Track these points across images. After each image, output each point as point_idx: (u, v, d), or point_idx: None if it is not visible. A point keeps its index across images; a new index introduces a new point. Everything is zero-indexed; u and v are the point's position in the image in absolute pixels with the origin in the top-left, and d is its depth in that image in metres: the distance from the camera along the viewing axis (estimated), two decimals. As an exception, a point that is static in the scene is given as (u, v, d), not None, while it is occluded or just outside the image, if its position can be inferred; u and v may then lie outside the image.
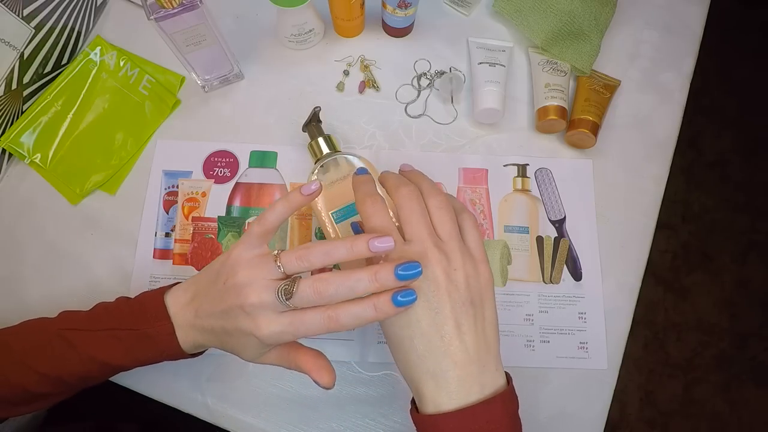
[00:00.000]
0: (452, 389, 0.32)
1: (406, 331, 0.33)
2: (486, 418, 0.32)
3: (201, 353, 0.41)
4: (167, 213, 0.52)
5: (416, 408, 0.35)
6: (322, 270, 0.34)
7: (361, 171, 0.40)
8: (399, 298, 0.31)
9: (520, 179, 0.54)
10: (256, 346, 0.34)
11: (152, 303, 0.37)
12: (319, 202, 0.47)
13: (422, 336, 0.33)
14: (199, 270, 0.50)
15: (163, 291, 0.38)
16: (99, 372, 0.38)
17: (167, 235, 0.52)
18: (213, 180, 0.53)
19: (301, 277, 0.32)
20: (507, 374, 0.35)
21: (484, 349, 0.33)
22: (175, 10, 0.43)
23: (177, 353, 0.37)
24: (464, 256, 0.34)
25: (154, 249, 0.51)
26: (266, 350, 0.35)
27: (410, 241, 0.34)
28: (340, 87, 0.57)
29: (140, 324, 0.37)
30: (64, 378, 0.37)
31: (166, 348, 0.37)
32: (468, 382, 0.32)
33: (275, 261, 0.33)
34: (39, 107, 0.53)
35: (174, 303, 0.37)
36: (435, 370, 0.32)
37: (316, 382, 0.35)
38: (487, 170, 0.54)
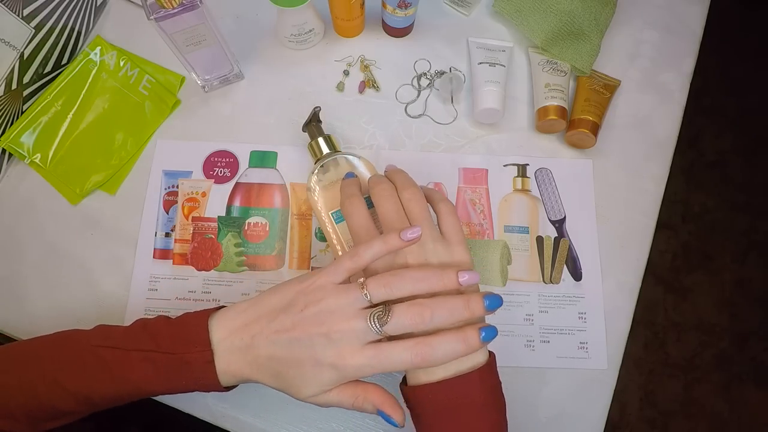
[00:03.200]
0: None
1: None
2: (461, 390, 0.34)
3: (234, 387, 0.38)
4: (167, 213, 0.52)
5: (405, 382, 0.37)
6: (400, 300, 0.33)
7: (349, 175, 0.42)
8: (485, 333, 0.32)
9: (520, 179, 0.54)
10: (327, 380, 0.32)
11: (195, 326, 0.35)
12: (319, 202, 0.47)
13: None
14: (199, 270, 0.50)
15: (208, 314, 0.36)
16: (129, 395, 0.36)
17: (167, 235, 0.52)
18: (213, 180, 0.53)
19: (392, 304, 0.32)
20: (490, 352, 0.37)
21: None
22: (175, 10, 0.43)
23: (212, 384, 0.35)
24: (436, 240, 0.36)
25: (154, 249, 0.51)
26: (331, 387, 0.33)
27: (385, 233, 0.35)
28: (340, 87, 0.57)
29: (178, 348, 0.34)
30: (92, 398, 0.35)
31: (201, 377, 0.34)
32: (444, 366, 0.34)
33: (362, 289, 0.32)
34: (39, 107, 0.53)
35: (221, 327, 0.35)
36: None
37: (388, 420, 0.34)
38: (487, 170, 0.54)
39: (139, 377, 0.35)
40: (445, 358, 0.32)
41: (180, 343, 0.35)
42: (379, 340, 0.33)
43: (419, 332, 0.33)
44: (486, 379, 0.35)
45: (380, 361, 0.32)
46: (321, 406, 0.35)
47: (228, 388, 0.37)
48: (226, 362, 0.34)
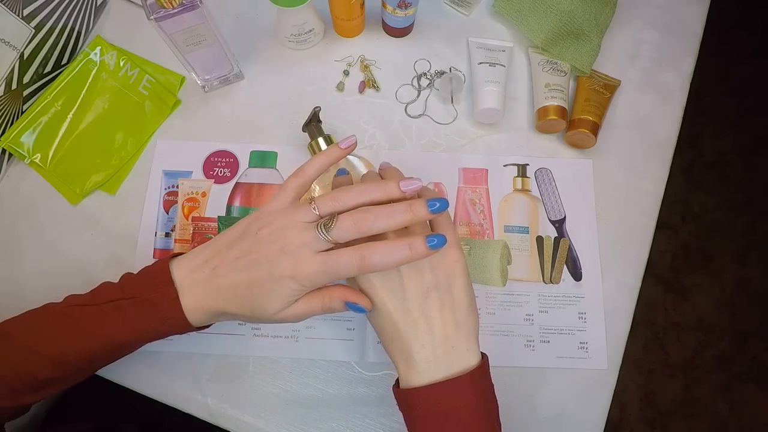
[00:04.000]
0: (420, 369, 0.34)
1: (378, 320, 0.36)
2: (452, 394, 0.34)
3: (207, 327, 0.39)
4: (167, 213, 0.52)
5: (398, 385, 0.37)
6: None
7: (341, 172, 0.43)
8: (433, 240, 0.32)
9: (520, 179, 0.54)
10: (288, 292, 0.33)
11: (156, 270, 0.37)
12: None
13: (391, 323, 0.35)
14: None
15: (168, 259, 0.37)
16: (104, 350, 0.37)
17: (167, 235, 0.52)
18: (213, 180, 0.53)
19: (338, 215, 0.33)
20: (483, 354, 0.36)
21: (452, 330, 0.35)
22: (175, 10, 0.43)
23: (180, 323, 0.36)
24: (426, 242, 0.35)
25: (154, 249, 0.51)
26: (294, 298, 0.34)
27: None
28: (340, 87, 0.57)
29: (143, 291, 0.36)
30: (69, 360, 0.36)
31: (168, 316, 0.35)
32: (434, 363, 0.34)
33: (310, 204, 0.34)
34: (39, 107, 0.53)
35: (181, 268, 0.36)
36: (404, 352, 0.35)
37: (356, 308, 0.35)
38: (487, 170, 0.54)
39: (109, 328, 0.36)
40: (387, 262, 0.32)
41: (144, 287, 0.36)
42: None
43: (367, 239, 0.34)
44: (478, 383, 0.35)
45: (330, 265, 0.32)
46: (294, 320, 0.36)
47: (200, 328, 0.38)
48: (191, 298, 0.35)
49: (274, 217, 0.34)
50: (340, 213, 0.33)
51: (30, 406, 0.40)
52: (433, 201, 0.33)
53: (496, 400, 0.36)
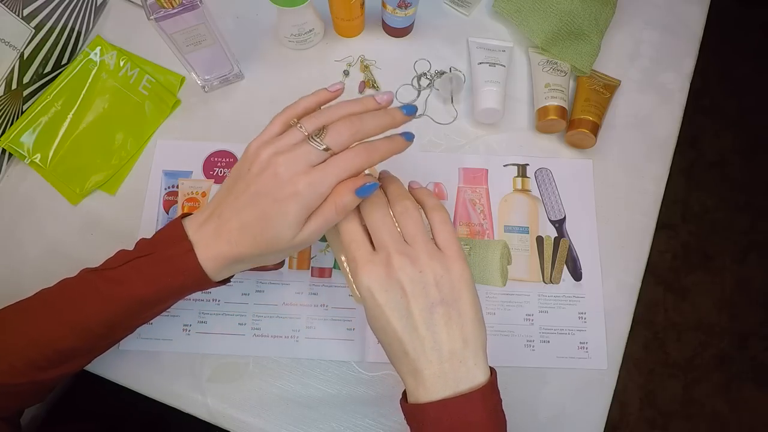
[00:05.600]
0: (428, 385, 0.34)
1: (384, 337, 0.35)
2: (463, 411, 0.33)
3: (228, 281, 0.39)
4: (167, 213, 0.52)
5: (406, 399, 0.36)
6: None
7: None
8: (407, 109, 0.37)
9: (520, 179, 0.54)
10: (295, 212, 0.33)
11: (170, 228, 0.37)
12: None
13: (397, 341, 0.34)
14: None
15: (180, 217, 0.38)
16: (123, 313, 0.37)
17: (167, 235, 0.52)
18: (213, 180, 0.53)
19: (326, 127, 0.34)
20: (491, 369, 0.35)
21: (460, 346, 0.34)
22: (175, 10, 0.43)
23: (197, 274, 0.36)
24: (431, 256, 0.34)
25: (154, 249, 0.51)
26: (304, 217, 0.34)
27: (377, 248, 0.35)
28: (340, 87, 0.57)
29: (158, 248, 0.36)
30: (90, 325, 0.36)
31: (185, 268, 0.35)
32: (442, 379, 0.33)
33: (296, 126, 0.34)
34: (39, 107, 0.53)
35: (192, 224, 0.36)
36: (412, 369, 0.34)
37: (367, 189, 0.34)
38: (487, 170, 0.54)
39: (127, 288, 0.36)
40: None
41: (158, 245, 0.37)
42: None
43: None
44: (488, 399, 0.34)
45: (330, 169, 0.33)
46: (314, 239, 0.35)
47: (220, 283, 0.38)
48: (204, 247, 0.35)
49: (263, 149, 0.34)
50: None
51: (46, 390, 0.40)
52: (407, 107, 0.37)
53: (504, 415, 0.36)
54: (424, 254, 0.34)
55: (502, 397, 0.36)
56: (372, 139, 0.36)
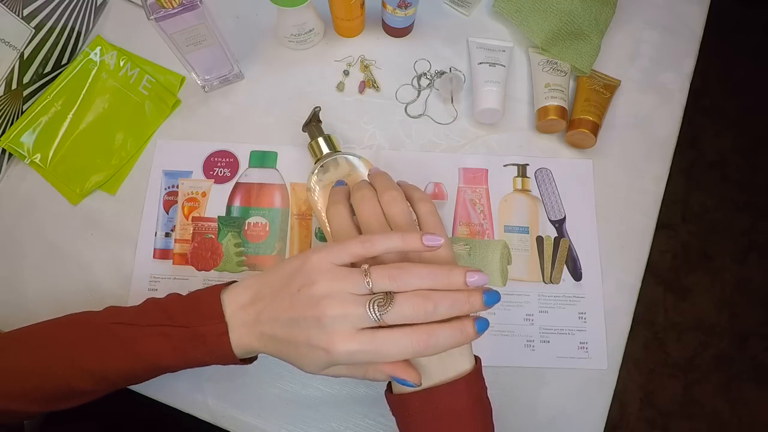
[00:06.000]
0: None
1: None
2: (448, 398, 0.34)
3: (253, 359, 0.38)
4: (167, 213, 0.52)
5: (390, 390, 0.37)
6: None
7: (339, 183, 0.43)
8: (479, 324, 0.32)
9: (520, 179, 0.54)
10: (322, 362, 0.32)
11: (207, 300, 0.36)
12: (319, 202, 0.47)
13: None
14: (199, 270, 0.50)
15: (220, 289, 0.36)
16: (144, 371, 0.36)
17: (167, 235, 0.52)
18: (213, 180, 0.53)
19: (393, 294, 0.31)
20: (476, 357, 0.36)
21: None
22: (175, 10, 0.43)
23: (227, 356, 0.35)
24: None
25: (154, 249, 0.51)
26: (328, 367, 0.33)
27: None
28: (340, 87, 0.57)
29: (192, 321, 0.35)
30: (109, 376, 0.36)
31: (216, 349, 0.35)
32: (428, 368, 0.34)
33: (364, 276, 0.31)
34: (39, 107, 0.53)
35: (231, 302, 0.35)
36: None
37: (404, 383, 0.33)
38: (487, 170, 0.54)
39: (154, 352, 0.35)
40: (445, 346, 0.31)
41: (194, 317, 0.35)
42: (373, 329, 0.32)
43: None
44: (473, 386, 0.35)
45: (376, 346, 0.30)
46: (334, 376, 0.35)
47: (245, 361, 0.37)
48: (238, 335, 0.34)
49: (319, 276, 0.32)
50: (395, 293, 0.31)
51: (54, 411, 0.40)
52: (490, 295, 0.32)
53: (490, 403, 0.36)
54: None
55: (502, 396, 0.36)
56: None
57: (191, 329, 0.35)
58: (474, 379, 0.35)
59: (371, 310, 0.30)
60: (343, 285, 0.31)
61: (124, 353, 0.35)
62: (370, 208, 0.37)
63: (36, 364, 0.36)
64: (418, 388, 0.34)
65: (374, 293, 0.31)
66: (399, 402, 0.35)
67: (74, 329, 0.37)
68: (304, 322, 0.31)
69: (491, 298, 0.32)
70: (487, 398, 0.36)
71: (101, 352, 0.36)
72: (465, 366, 0.35)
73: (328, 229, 0.47)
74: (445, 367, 0.34)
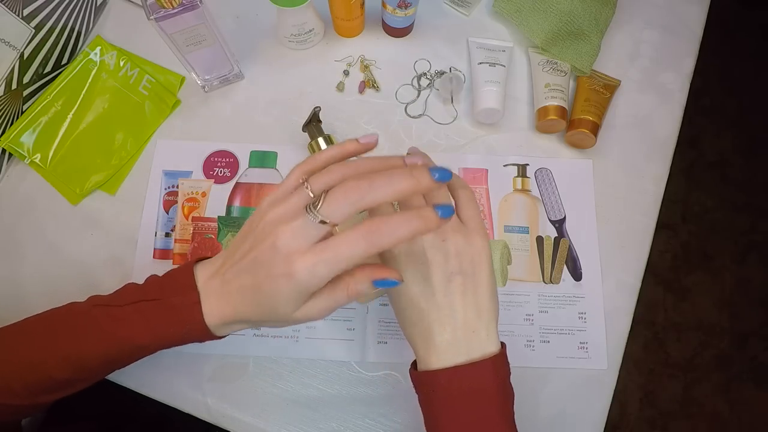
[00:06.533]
0: (440, 352, 0.34)
1: (400, 302, 0.36)
2: (475, 378, 0.34)
3: (226, 336, 0.37)
4: (167, 213, 0.52)
5: (415, 367, 0.37)
6: None
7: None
8: (443, 210, 0.29)
9: (520, 179, 0.54)
10: (289, 293, 0.30)
11: (180, 274, 0.35)
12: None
13: (413, 306, 0.35)
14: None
15: (193, 263, 0.36)
16: (120, 353, 0.36)
17: (167, 235, 0.52)
18: (213, 180, 0.53)
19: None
20: (502, 343, 0.36)
21: (473, 316, 0.35)
22: (175, 10, 0.43)
23: (200, 329, 0.34)
24: (455, 228, 0.35)
25: (154, 249, 0.51)
26: (301, 298, 0.31)
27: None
28: (340, 87, 0.57)
29: (165, 294, 0.34)
30: (86, 362, 0.36)
31: (188, 320, 0.34)
32: (455, 346, 0.34)
33: (304, 186, 0.30)
34: (39, 107, 0.53)
35: (203, 273, 0.35)
36: (425, 335, 0.35)
37: (390, 283, 0.31)
38: (487, 170, 0.54)
39: (127, 330, 0.35)
40: (405, 234, 0.29)
41: (167, 290, 0.35)
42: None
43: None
44: (499, 368, 0.35)
45: (332, 251, 0.28)
46: (318, 317, 0.32)
47: (220, 337, 0.36)
48: (209, 305, 0.33)
49: (270, 208, 0.31)
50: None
51: (46, 407, 0.40)
52: (440, 170, 0.30)
53: (513, 390, 0.37)
54: (448, 226, 0.35)
55: None
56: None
57: (163, 301, 0.34)
58: (500, 362, 0.35)
59: (309, 211, 0.29)
60: (288, 206, 0.30)
61: (99, 335, 0.35)
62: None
63: (17, 355, 0.36)
64: (444, 366, 0.34)
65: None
66: (424, 378, 0.35)
67: (51, 317, 0.37)
68: (262, 255, 0.30)
69: (443, 173, 0.30)
70: (511, 384, 0.36)
71: (77, 336, 0.35)
72: (491, 348, 0.35)
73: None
74: (471, 347, 0.34)
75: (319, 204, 0.29)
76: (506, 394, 0.35)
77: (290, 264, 0.29)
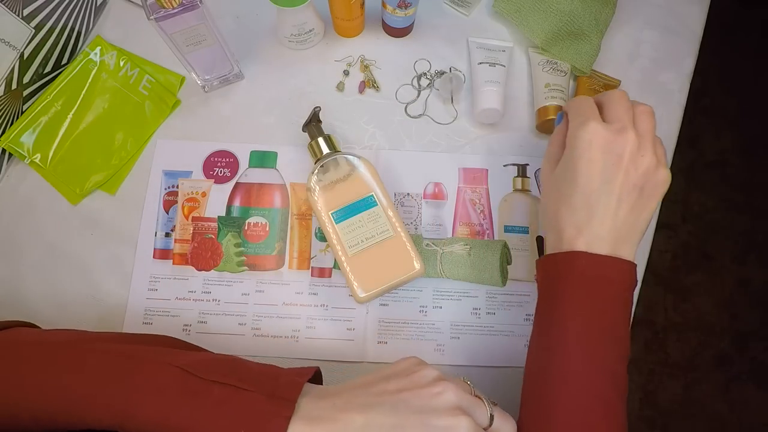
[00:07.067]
0: (589, 240, 0.36)
1: (570, 186, 0.38)
2: (615, 270, 0.36)
3: None
4: (167, 213, 0.52)
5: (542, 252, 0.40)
6: None
7: (560, 117, 0.44)
8: None
9: (520, 179, 0.54)
10: None
11: (287, 375, 0.33)
12: (319, 202, 0.47)
13: (583, 194, 0.37)
14: (199, 270, 0.50)
15: (302, 376, 0.33)
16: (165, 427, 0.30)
17: (167, 235, 0.52)
18: (213, 180, 0.53)
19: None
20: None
21: (626, 232, 0.37)
22: (175, 10, 0.43)
23: None
24: (654, 153, 0.37)
25: (154, 249, 0.51)
26: None
27: (611, 121, 0.37)
28: (340, 87, 0.57)
29: (266, 387, 0.31)
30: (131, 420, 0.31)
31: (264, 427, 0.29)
32: (604, 242, 0.36)
33: (487, 408, 0.33)
34: (39, 107, 0.53)
35: (308, 391, 0.32)
36: (582, 221, 0.37)
37: None
38: (487, 170, 0.54)
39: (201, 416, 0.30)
40: None
41: (268, 384, 0.32)
42: None
43: None
44: (634, 275, 0.37)
45: None
46: None
47: None
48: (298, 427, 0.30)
49: (446, 383, 0.32)
50: None
51: None
52: None
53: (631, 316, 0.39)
54: (650, 146, 0.37)
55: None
56: None
57: (263, 394, 0.31)
58: (635, 272, 0.37)
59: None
60: (467, 401, 0.32)
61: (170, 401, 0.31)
62: (624, 101, 0.39)
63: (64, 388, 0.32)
64: (592, 251, 0.36)
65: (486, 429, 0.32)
66: (564, 257, 0.37)
67: (121, 359, 0.34)
68: (417, 405, 0.31)
69: None
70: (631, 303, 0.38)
71: (138, 387, 0.31)
72: (629, 257, 0.37)
73: (328, 228, 0.47)
74: (617, 249, 0.36)
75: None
76: (630, 302, 0.37)
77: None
